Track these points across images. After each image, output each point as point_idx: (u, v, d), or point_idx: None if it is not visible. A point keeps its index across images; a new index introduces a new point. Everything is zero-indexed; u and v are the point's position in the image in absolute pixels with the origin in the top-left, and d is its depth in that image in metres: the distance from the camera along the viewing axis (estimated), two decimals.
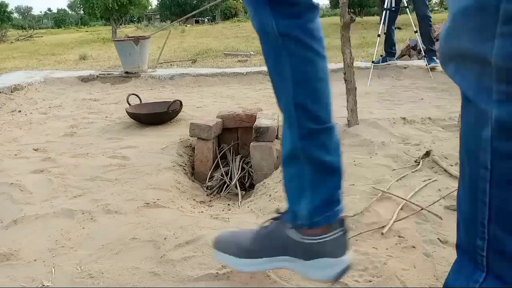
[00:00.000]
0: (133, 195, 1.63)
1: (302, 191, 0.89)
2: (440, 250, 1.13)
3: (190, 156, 2.31)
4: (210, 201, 1.91)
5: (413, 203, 1.38)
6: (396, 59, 4.85)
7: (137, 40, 4.77)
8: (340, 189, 0.90)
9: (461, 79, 0.57)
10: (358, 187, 1.57)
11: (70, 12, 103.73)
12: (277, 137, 2.26)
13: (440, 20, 11.46)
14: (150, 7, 30.91)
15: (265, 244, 0.95)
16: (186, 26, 26.34)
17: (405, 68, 4.42)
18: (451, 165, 1.72)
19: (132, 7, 19.20)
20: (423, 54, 4.23)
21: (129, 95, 3.07)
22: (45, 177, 1.87)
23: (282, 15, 0.83)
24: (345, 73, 2.33)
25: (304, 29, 0.84)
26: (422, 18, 4.29)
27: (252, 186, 1.96)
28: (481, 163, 0.57)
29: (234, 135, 2.48)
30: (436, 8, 49.53)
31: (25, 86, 4.22)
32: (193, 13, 7.99)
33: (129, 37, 5.53)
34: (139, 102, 3.06)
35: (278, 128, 2.28)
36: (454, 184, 1.50)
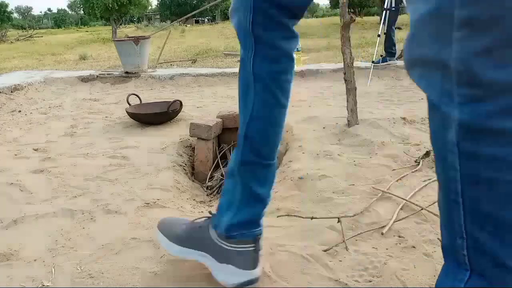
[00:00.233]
0: (133, 195, 1.64)
1: (230, 205, 0.98)
2: (440, 250, 1.12)
3: (190, 156, 2.31)
4: (210, 201, 1.91)
5: (413, 203, 1.38)
6: (396, 59, 4.85)
7: (137, 40, 4.77)
8: (263, 215, 0.98)
9: (425, 85, 0.60)
10: (358, 187, 1.57)
11: (70, 12, 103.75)
12: None
13: None
14: (150, 7, 30.93)
15: (192, 236, 1.04)
16: (186, 26, 26.34)
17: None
18: None
19: (132, 7, 19.21)
20: None
21: (129, 95, 3.07)
22: (45, 177, 1.87)
23: (261, 55, 0.89)
24: (345, 73, 2.33)
25: (275, 78, 0.91)
26: None
27: None
28: (450, 164, 0.59)
29: (234, 135, 2.48)
30: None
31: (25, 86, 4.22)
32: (193, 13, 7.99)
33: (129, 37, 5.53)
34: (139, 102, 3.06)
35: None
36: None
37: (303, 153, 2.03)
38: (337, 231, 1.24)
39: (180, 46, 11.48)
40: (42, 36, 22.46)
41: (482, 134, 0.54)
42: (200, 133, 2.24)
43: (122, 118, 3.03)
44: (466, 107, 0.54)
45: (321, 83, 4.25)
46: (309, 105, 3.24)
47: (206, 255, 1.02)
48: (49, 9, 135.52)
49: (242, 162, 0.95)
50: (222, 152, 2.38)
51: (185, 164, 2.17)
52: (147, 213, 1.47)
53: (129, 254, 1.18)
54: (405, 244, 1.16)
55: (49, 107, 3.61)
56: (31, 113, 3.39)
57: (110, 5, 17.69)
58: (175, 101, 2.84)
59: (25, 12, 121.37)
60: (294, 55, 0.94)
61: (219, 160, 2.29)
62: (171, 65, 6.97)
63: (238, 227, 0.96)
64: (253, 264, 0.97)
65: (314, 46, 9.23)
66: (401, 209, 1.35)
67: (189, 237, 1.05)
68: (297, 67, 4.76)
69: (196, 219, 1.09)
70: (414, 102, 3.16)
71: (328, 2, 41.91)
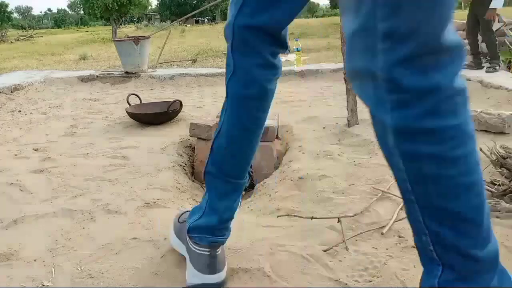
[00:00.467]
0: (133, 195, 1.64)
1: (200, 209, 1.02)
2: None
3: (190, 156, 2.31)
4: None
5: None
6: None
7: (137, 40, 4.77)
8: (221, 227, 1.00)
9: (363, 95, 0.64)
10: (358, 187, 1.57)
11: (70, 12, 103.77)
12: (277, 137, 2.26)
13: None
14: (150, 7, 30.92)
15: (181, 231, 1.09)
16: (186, 26, 26.33)
17: None
18: None
19: (132, 7, 19.19)
20: None
21: (129, 95, 3.07)
22: (45, 177, 1.87)
23: (236, 78, 0.90)
24: (345, 73, 2.33)
25: (243, 103, 0.92)
26: None
27: (252, 186, 1.96)
28: (396, 166, 0.64)
29: None
30: None
31: (25, 86, 4.22)
32: (193, 13, 7.99)
33: (129, 37, 5.53)
34: (139, 102, 3.06)
35: (278, 128, 2.28)
36: None
37: (303, 153, 2.03)
38: (337, 231, 1.24)
39: (180, 46, 11.48)
40: (42, 36, 22.44)
41: (416, 135, 0.59)
42: (200, 133, 2.24)
43: (122, 118, 3.03)
44: (397, 112, 0.59)
45: (321, 83, 4.24)
46: (309, 105, 3.24)
47: (185, 251, 1.05)
48: (49, 9, 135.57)
49: (206, 171, 0.99)
50: None
51: (185, 164, 2.17)
52: (147, 213, 1.47)
53: (129, 254, 1.18)
54: (405, 244, 1.16)
55: (49, 107, 3.61)
56: (31, 113, 3.39)
57: (110, 5, 17.68)
58: (175, 101, 2.84)
59: (25, 12, 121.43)
60: (273, 87, 0.94)
61: None
62: (171, 65, 6.97)
63: (197, 230, 0.99)
64: (210, 270, 0.98)
65: (314, 46, 9.23)
66: (401, 209, 1.35)
67: (180, 232, 1.09)
68: (297, 67, 4.78)
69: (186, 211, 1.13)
70: None
71: (328, 2, 41.86)
